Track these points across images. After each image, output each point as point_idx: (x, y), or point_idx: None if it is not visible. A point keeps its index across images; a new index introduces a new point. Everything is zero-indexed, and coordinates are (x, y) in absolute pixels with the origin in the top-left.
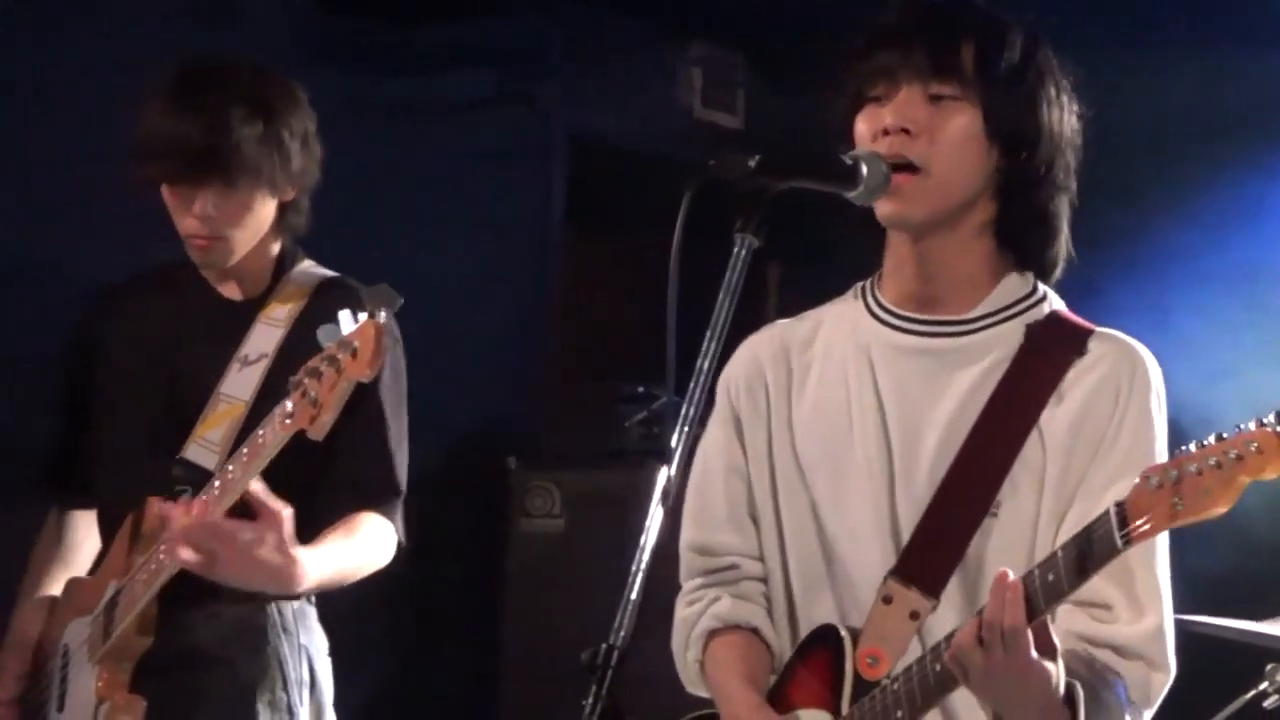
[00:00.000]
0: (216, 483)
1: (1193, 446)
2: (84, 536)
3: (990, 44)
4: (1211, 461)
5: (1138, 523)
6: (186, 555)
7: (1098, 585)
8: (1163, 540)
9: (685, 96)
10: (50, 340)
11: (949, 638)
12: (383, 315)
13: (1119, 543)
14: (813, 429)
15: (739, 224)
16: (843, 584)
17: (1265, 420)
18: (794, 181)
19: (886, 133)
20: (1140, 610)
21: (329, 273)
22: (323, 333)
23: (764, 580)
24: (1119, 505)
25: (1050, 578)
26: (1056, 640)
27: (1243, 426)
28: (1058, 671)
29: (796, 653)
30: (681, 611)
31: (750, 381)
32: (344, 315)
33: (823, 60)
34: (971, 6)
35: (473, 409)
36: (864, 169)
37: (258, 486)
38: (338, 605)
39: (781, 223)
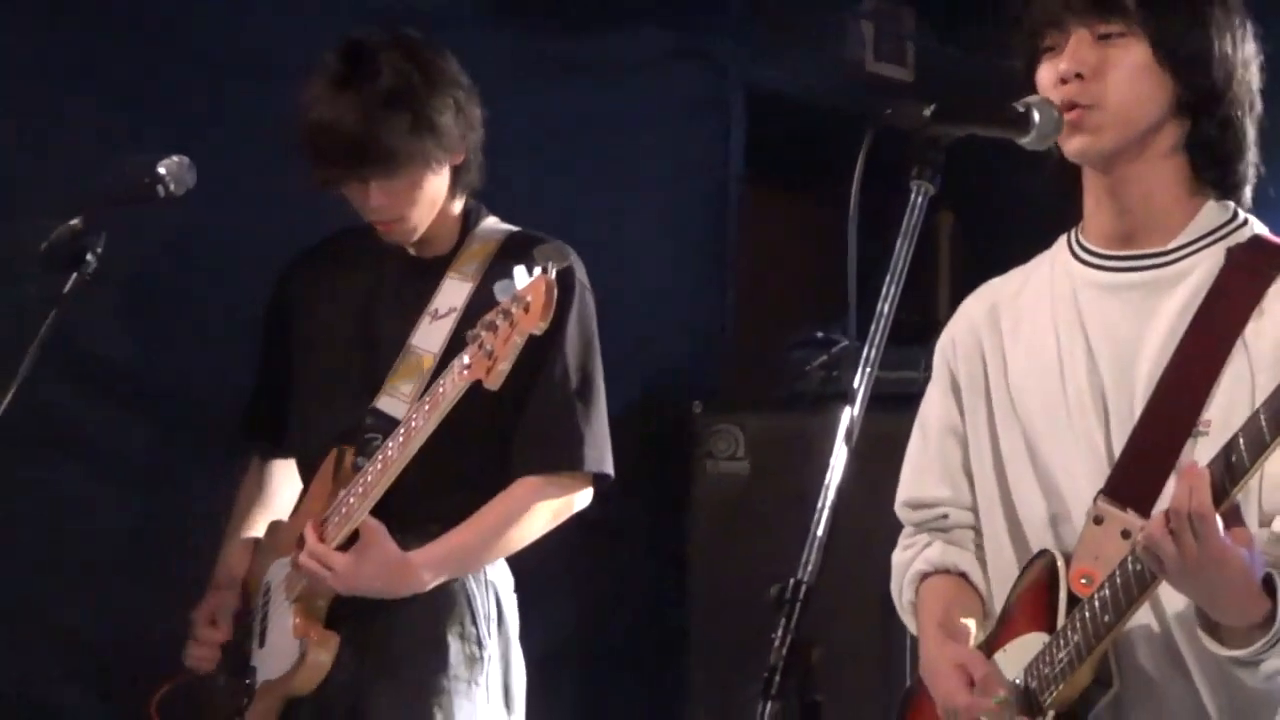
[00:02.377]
0: (401, 432)
1: None
2: (282, 482)
3: None
4: None
5: None
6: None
7: None
8: None
9: (857, 50)
10: (239, 298)
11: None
12: (553, 270)
13: None
14: (1027, 376)
15: (915, 171)
16: (1062, 517)
17: None
18: (968, 129)
19: (1064, 81)
20: None
21: (513, 227)
22: (498, 288)
23: (975, 530)
24: None
25: (1233, 458)
26: (1253, 530)
27: None
28: (1254, 558)
29: (1014, 586)
30: (896, 556)
31: (966, 343)
32: (519, 271)
33: (991, 11)
34: None
35: (658, 356)
36: (1036, 115)
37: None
38: (533, 548)
39: (953, 172)
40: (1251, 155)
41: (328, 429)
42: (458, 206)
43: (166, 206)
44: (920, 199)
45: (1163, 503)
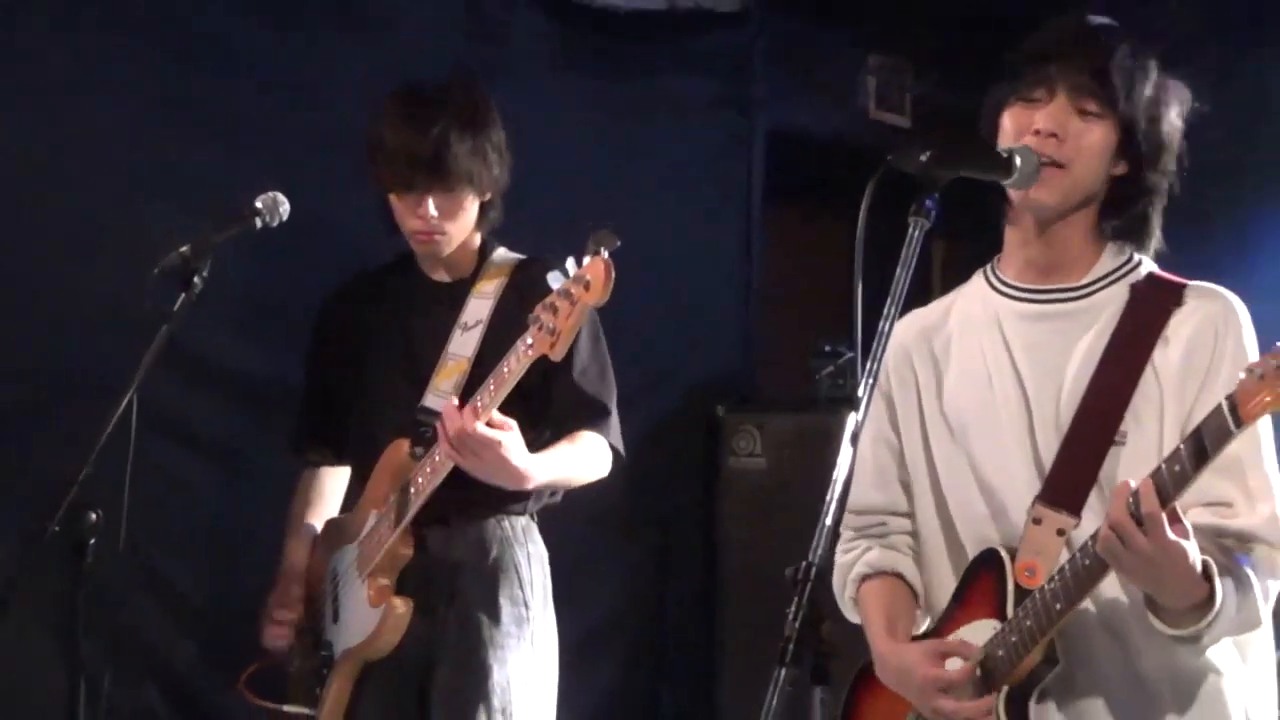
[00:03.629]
0: (466, 410)
1: None
2: (331, 487)
3: (1135, 74)
4: None
5: (1247, 406)
6: (453, 455)
7: (1218, 486)
8: (1268, 441)
9: (863, 99)
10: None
11: (1094, 537)
12: (606, 252)
13: (1232, 426)
14: (959, 391)
15: (913, 208)
16: (999, 514)
17: None
18: (960, 172)
19: (1037, 133)
20: (1255, 502)
21: (521, 255)
22: (551, 278)
23: (910, 534)
24: (1229, 396)
25: (1176, 468)
26: (1188, 524)
27: None
28: (1193, 548)
29: (963, 578)
30: (839, 558)
31: (897, 363)
32: (569, 262)
33: (978, 71)
34: (1124, 35)
35: (691, 365)
36: (1018, 160)
37: (495, 412)
38: (585, 534)
39: (949, 205)
40: (1156, 234)
41: (386, 427)
42: (477, 239)
43: (265, 235)
44: (918, 232)
45: (1092, 504)
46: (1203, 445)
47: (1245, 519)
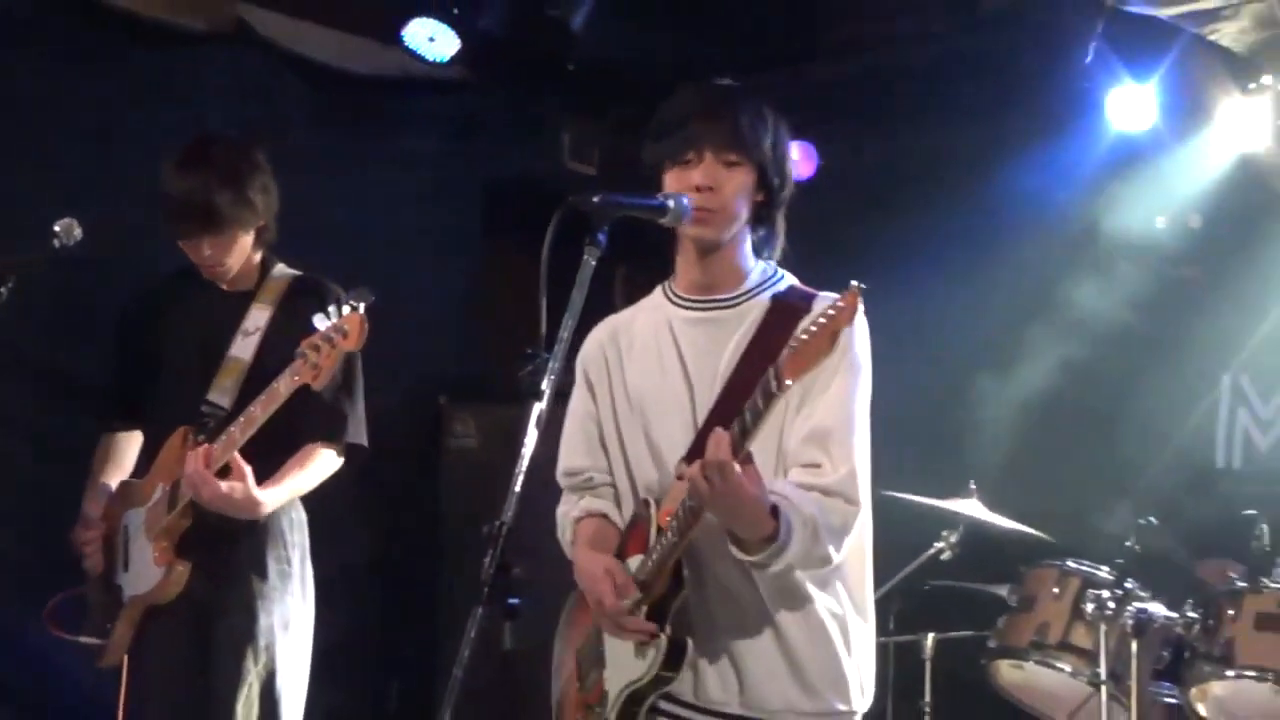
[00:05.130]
0: (241, 418)
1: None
2: (126, 450)
3: (758, 126)
4: (822, 320)
5: (783, 372)
6: (191, 492)
7: (812, 452)
8: (861, 414)
9: (560, 153)
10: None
11: None
12: (362, 307)
13: (774, 388)
14: (639, 380)
15: (587, 240)
16: (663, 474)
17: (849, 287)
18: (624, 212)
19: (697, 189)
20: (838, 465)
21: (298, 272)
22: (316, 319)
23: (612, 485)
24: (773, 365)
25: (740, 425)
26: (757, 471)
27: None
28: (763, 491)
29: (629, 522)
30: (559, 511)
31: (595, 357)
32: (331, 309)
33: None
34: (748, 95)
35: (419, 364)
36: (671, 203)
37: (235, 455)
38: (331, 497)
39: (627, 237)
40: (782, 230)
41: (174, 415)
42: (258, 256)
43: (62, 255)
44: (590, 259)
45: None
46: (758, 406)
47: (829, 477)
